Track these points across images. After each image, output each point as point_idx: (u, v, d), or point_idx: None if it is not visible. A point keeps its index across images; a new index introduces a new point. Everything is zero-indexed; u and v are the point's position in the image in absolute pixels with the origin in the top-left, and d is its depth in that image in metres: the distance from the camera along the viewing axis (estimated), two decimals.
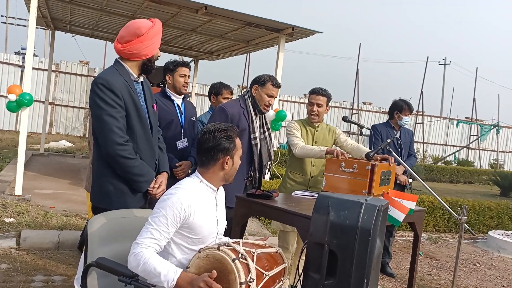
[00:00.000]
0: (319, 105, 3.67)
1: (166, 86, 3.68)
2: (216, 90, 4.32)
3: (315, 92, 3.72)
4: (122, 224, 2.21)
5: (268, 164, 3.47)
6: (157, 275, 1.81)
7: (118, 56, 2.57)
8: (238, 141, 2.14)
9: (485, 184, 16.67)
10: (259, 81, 3.32)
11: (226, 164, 2.08)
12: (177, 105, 3.66)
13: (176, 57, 10.33)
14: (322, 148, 3.42)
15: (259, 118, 3.39)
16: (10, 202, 5.30)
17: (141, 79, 2.62)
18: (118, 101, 2.42)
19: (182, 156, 3.62)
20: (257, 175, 3.36)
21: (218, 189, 2.16)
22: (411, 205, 2.71)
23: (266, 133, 3.44)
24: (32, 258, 4.00)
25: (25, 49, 6.04)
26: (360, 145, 3.76)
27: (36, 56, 16.73)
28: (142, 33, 2.45)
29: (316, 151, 3.44)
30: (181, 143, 3.64)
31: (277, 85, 3.32)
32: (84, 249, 2.08)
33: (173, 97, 3.65)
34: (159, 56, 2.63)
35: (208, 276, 1.76)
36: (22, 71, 14.56)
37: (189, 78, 3.70)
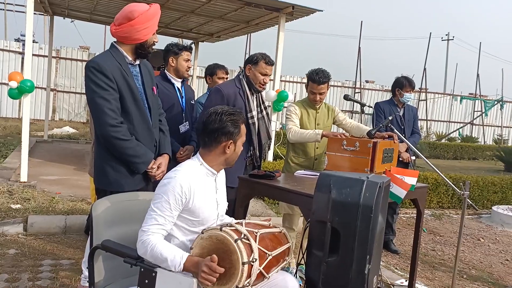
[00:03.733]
0: (321, 94, 3.60)
1: (166, 69, 3.65)
2: (211, 70, 4.37)
3: (316, 81, 3.53)
4: (126, 207, 2.24)
5: (268, 143, 3.47)
6: (164, 260, 1.84)
7: (115, 40, 2.56)
8: (243, 127, 2.14)
9: (489, 160, 16.63)
10: (252, 60, 3.29)
11: (228, 148, 2.08)
12: (178, 88, 3.65)
13: (176, 40, 10.24)
14: (318, 132, 3.39)
15: (256, 97, 3.37)
16: (16, 188, 5.34)
17: (137, 62, 2.62)
18: (110, 83, 2.43)
19: (184, 140, 3.62)
20: (257, 154, 3.36)
21: (218, 172, 2.17)
22: (413, 181, 2.72)
23: (264, 112, 3.42)
24: (39, 243, 4.05)
25: (25, 36, 6.00)
26: (360, 123, 3.73)
27: (36, 42, 16.64)
28: (134, 17, 2.44)
29: (311, 135, 3.41)
30: (183, 127, 3.64)
31: (270, 63, 3.28)
32: (89, 232, 2.11)
33: (173, 81, 3.63)
34: (155, 41, 2.60)
35: (210, 260, 1.77)
36: (22, 58, 14.49)
37: (190, 62, 3.70)
